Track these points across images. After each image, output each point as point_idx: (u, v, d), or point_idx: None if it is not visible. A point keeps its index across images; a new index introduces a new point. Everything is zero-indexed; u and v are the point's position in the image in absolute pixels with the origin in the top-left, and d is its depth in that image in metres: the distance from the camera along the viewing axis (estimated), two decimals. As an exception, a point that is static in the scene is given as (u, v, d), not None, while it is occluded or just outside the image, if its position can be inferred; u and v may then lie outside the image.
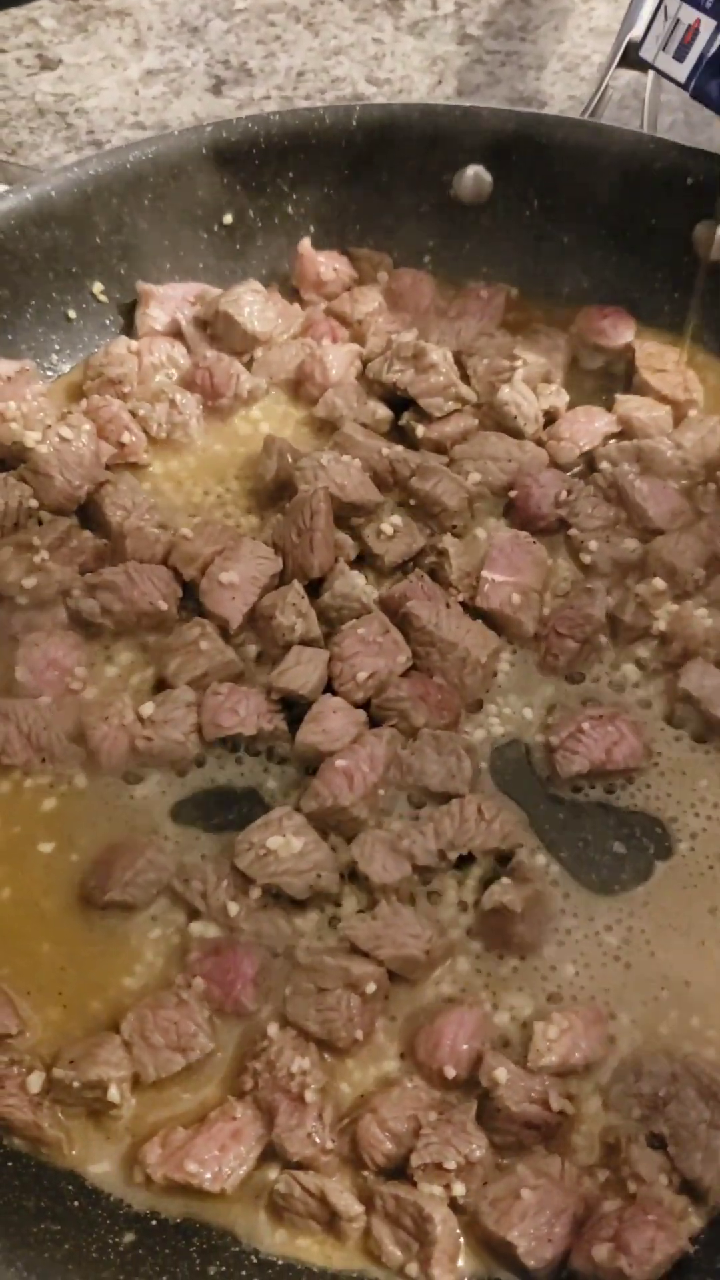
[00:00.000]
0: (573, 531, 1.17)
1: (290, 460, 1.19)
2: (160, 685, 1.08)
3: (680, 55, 1.09)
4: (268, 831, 0.98)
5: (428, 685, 1.07)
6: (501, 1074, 0.88)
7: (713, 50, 1.07)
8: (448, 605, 1.10)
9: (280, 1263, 0.86)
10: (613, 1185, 0.87)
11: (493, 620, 1.11)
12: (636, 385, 1.26)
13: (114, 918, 0.98)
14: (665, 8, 1.10)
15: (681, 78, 1.11)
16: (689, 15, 1.07)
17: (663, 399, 1.25)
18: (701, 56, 1.07)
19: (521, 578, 1.12)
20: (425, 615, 1.08)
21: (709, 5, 1.07)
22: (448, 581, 1.13)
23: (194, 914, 0.97)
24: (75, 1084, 0.88)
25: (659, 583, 1.12)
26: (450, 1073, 0.90)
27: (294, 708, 1.06)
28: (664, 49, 1.10)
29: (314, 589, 1.12)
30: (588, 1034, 0.91)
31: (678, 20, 1.08)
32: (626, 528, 1.17)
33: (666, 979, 0.96)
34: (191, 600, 1.12)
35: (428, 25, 1.76)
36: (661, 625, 1.11)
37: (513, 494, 1.19)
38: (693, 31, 1.07)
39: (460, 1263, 0.85)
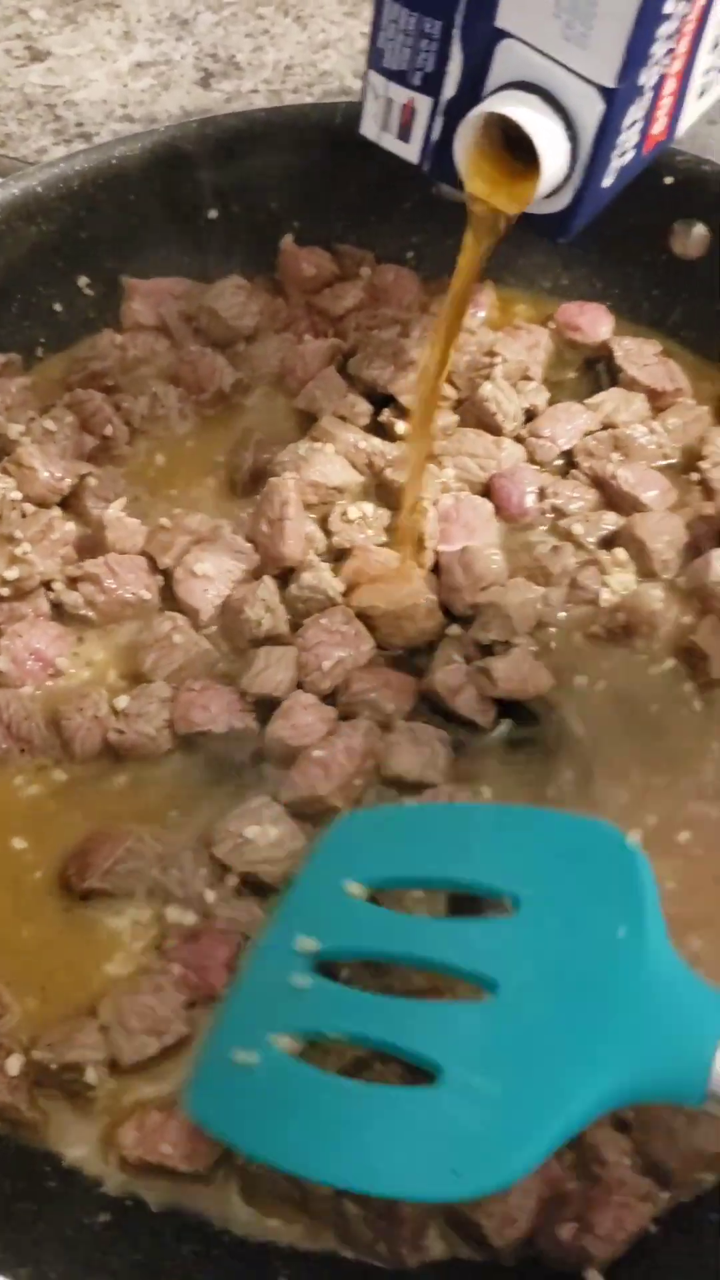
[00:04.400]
0: (559, 520, 1.19)
1: (266, 452, 1.20)
2: (139, 679, 1.09)
3: (405, 136, 0.93)
4: (245, 820, 1.00)
5: (388, 673, 1.09)
6: (469, 1058, 0.89)
7: (438, 133, 0.91)
8: None
9: (252, 1241, 0.88)
10: (577, 1167, 0.89)
11: None
12: (623, 381, 1.27)
13: (94, 906, 0.99)
14: (371, 85, 0.92)
15: (413, 158, 0.94)
16: (400, 95, 0.91)
17: (650, 392, 1.26)
18: (427, 140, 0.92)
19: (474, 538, 1.15)
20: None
21: (418, 82, 0.90)
22: None
23: (172, 901, 0.99)
24: (53, 1066, 0.90)
25: (621, 553, 1.14)
26: (420, 1057, 0.91)
27: (266, 705, 1.08)
28: (384, 129, 0.94)
29: (283, 581, 1.13)
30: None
31: (389, 100, 0.92)
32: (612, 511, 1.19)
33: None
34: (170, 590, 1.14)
35: (415, 19, 1.77)
36: (608, 595, 1.12)
37: (490, 494, 1.20)
38: (409, 111, 0.91)
39: (427, 1241, 0.87)
